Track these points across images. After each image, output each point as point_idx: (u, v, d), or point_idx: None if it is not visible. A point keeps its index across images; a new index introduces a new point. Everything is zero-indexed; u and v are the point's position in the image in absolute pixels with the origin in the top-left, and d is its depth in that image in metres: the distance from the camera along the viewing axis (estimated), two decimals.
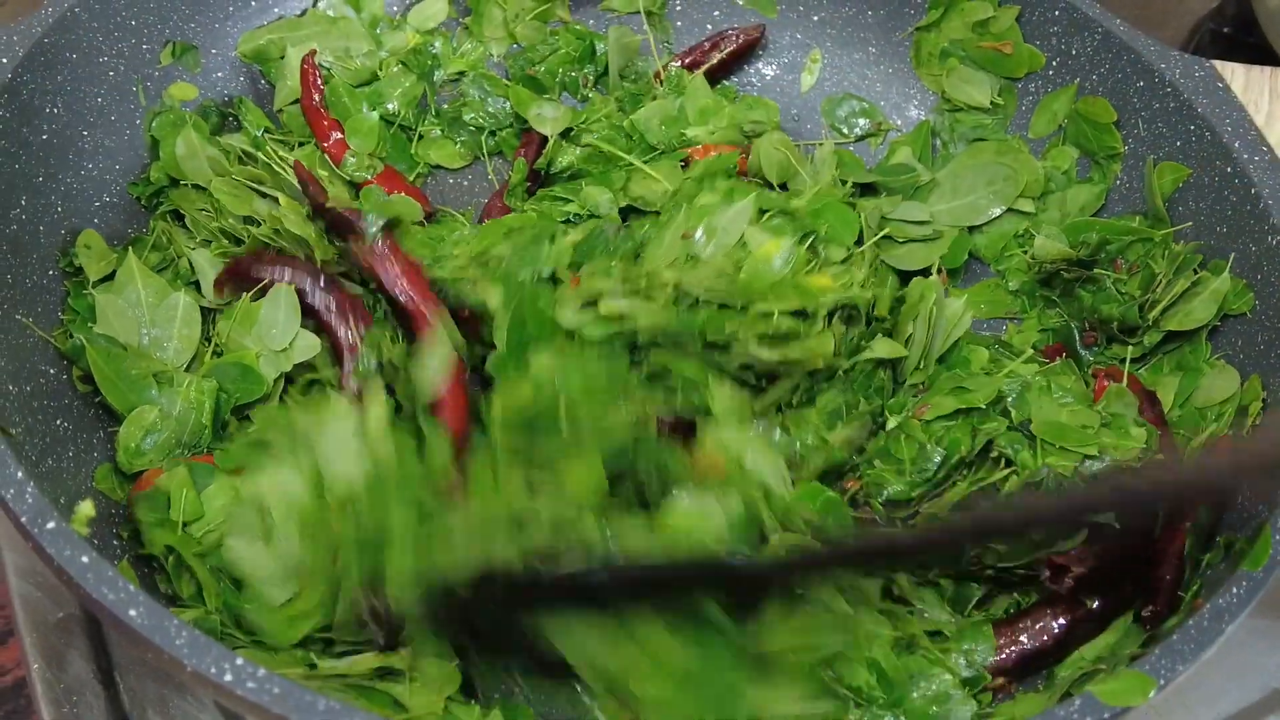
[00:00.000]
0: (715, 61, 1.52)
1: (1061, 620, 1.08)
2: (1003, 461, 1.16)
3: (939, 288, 1.26)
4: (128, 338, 1.17)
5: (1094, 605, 1.08)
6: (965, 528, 0.94)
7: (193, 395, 1.14)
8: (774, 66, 1.55)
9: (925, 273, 1.33)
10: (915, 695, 1.04)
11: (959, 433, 1.17)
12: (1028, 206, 1.39)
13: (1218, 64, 1.32)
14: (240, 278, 1.21)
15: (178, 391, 1.15)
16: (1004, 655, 1.07)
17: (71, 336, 1.15)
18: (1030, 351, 1.28)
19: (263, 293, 1.21)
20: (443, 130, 1.47)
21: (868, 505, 1.18)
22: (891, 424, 1.20)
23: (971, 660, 1.07)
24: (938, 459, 1.16)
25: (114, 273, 1.21)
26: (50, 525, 0.89)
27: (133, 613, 0.85)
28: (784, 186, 1.39)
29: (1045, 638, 1.08)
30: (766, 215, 1.28)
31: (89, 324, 1.16)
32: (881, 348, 1.23)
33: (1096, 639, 1.07)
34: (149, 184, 1.29)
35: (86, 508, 0.99)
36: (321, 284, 1.21)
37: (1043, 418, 1.16)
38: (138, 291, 1.19)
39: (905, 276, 1.33)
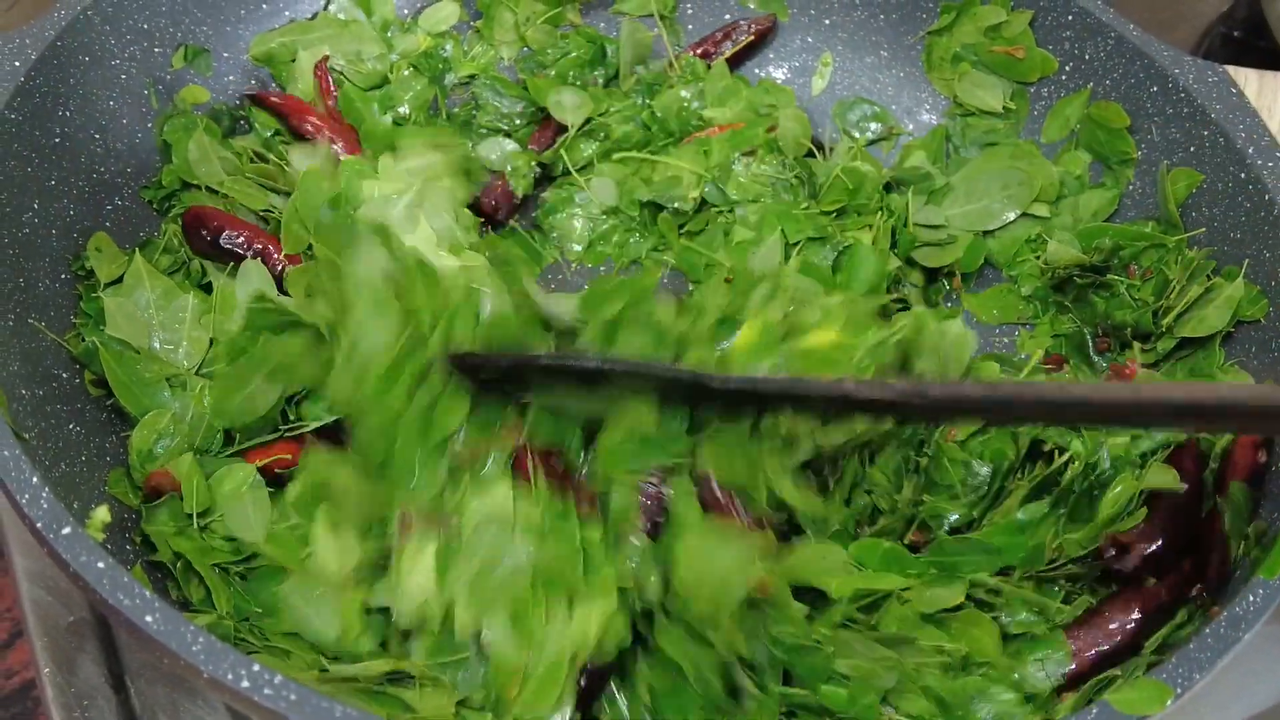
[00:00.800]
0: (728, 52, 1.52)
1: (1135, 615, 1.06)
2: (1055, 453, 1.15)
3: (930, 318, 1.21)
4: (138, 340, 1.16)
5: (1163, 596, 1.07)
6: (919, 393, 0.91)
7: (206, 400, 1.14)
8: (785, 70, 1.55)
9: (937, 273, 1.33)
10: (979, 716, 1.03)
11: (999, 443, 1.16)
12: (1042, 211, 1.39)
13: (1231, 69, 1.31)
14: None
15: (190, 395, 1.14)
16: (1078, 662, 1.05)
17: (84, 340, 1.14)
18: (1035, 364, 1.28)
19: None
20: (454, 133, 1.47)
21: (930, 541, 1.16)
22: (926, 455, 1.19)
23: (1048, 670, 1.05)
24: (985, 472, 1.15)
25: (123, 276, 1.21)
26: (66, 531, 0.88)
27: (149, 619, 0.84)
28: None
29: (1120, 636, 1.06)
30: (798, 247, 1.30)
31: (100, 327, 1.16)
32: None
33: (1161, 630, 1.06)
34: (161, 188, 1.29)
35: (102, 513, 0.99)
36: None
37: None
38: (147, 294, 1.19)
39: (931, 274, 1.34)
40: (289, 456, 1.13)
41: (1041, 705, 1.03)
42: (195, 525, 1.07)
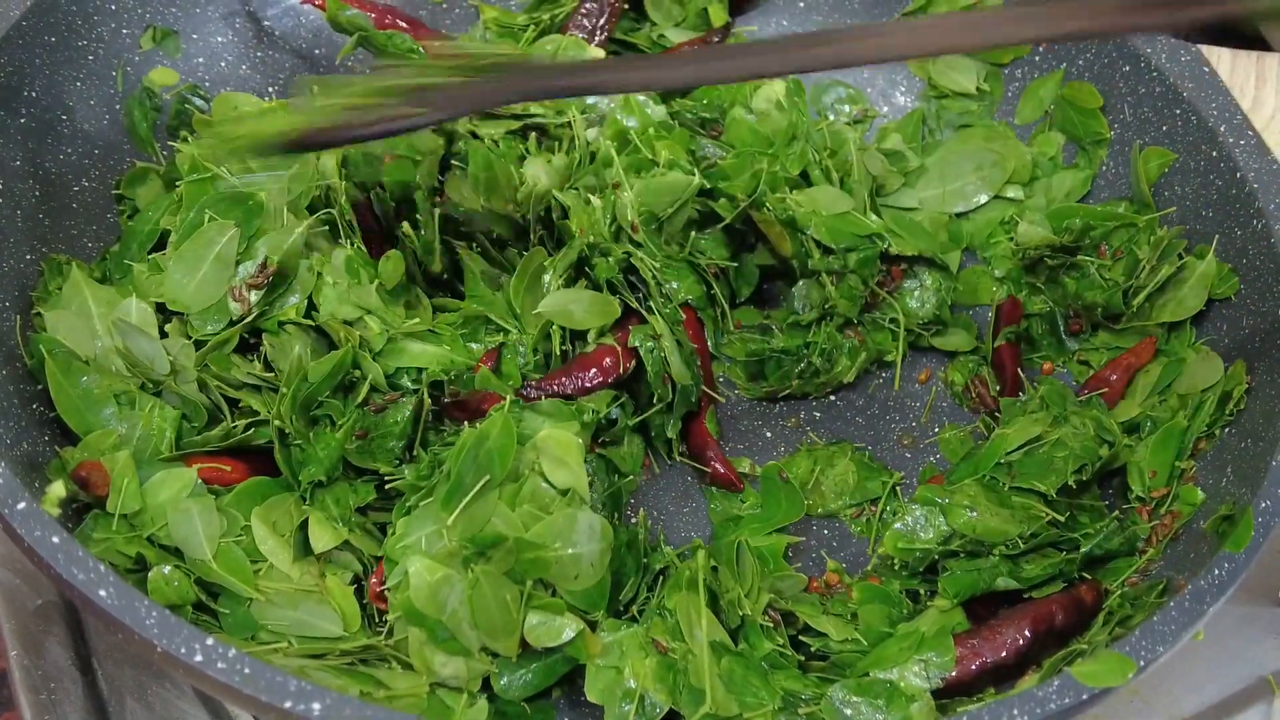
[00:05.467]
0: None
1: (1026, 632, 1.05)
2: None
3: None
4: (84, 350, 1.12)
5: (1058, 618, 1.06)
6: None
7: (155, 421, 1.10)
8: None
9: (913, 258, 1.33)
10: None
11: None
12: (1015, 193, 1.38)
13: (1204, 48, 1.31)
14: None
15: (139, 414, 1.09)
16: (960, 670, 1.04)
17: (33, 356, 1.11)
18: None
19: None
20: None
21: None
22: None
23: (930, 673, 1.04)
24: None
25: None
26: (21, 505, 0.88)
27: (103, 593, 0.84)
28: None
29: (1005, 652, 1.05)
30: None
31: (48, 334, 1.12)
32: None
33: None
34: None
35: (57, 488, 0.98)
36: None
37: None
38: (87, 304, 1.14)
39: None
40: (228, 469, 1.10)
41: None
42: (128, 528, 1.03)
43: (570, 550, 1.03)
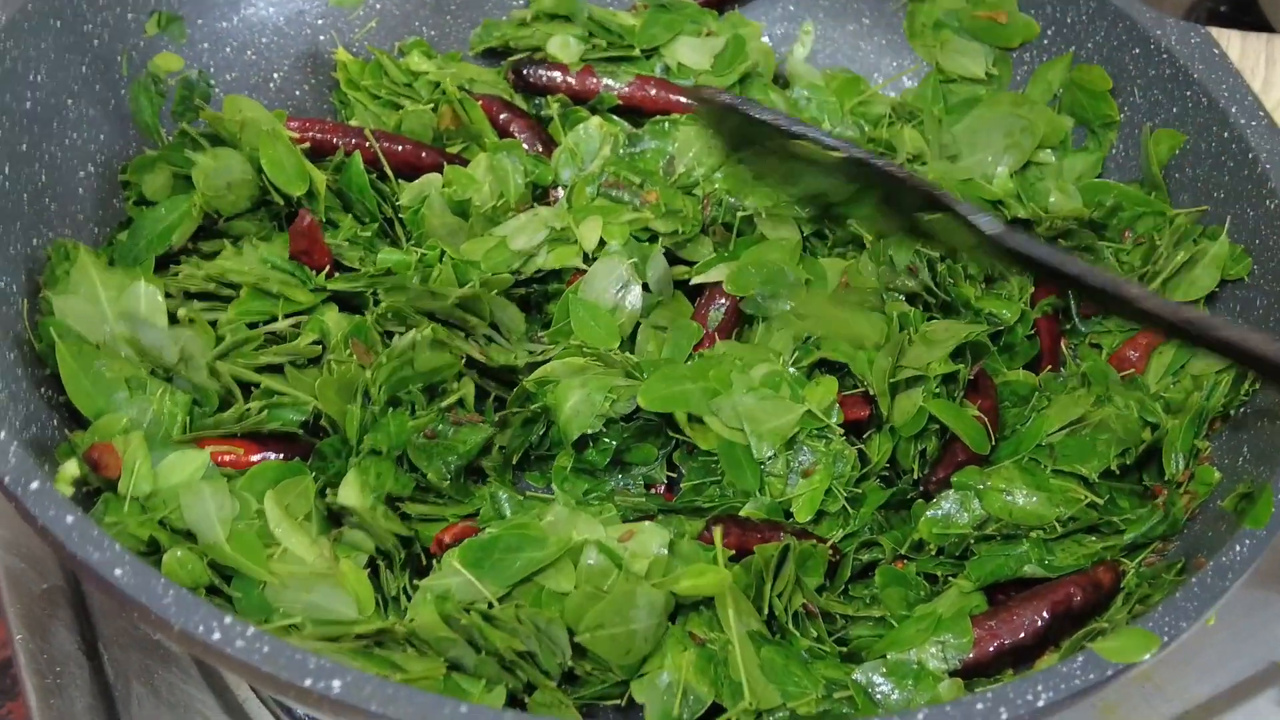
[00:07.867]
0: None
1: (1044, 614, 1.04)
2: None
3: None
4: (94, 335, 1.11)
5: (1075, 600, 1.05)
6: None
7: (166, 405, 1.08)
8: (766, 38, 1.54)
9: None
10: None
11: None
12: (1046, 156, 1.37)
13: (1214, 30, 1.31)
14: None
15: (150, 399, 1.08)
16: (978, 652, 1.03)
17: (41, 340, 1.10)
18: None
19: None
20: None
21: None
22: None
23: (947, 654, 1.03)
24: None
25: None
26: (34, 486, 0.87)
27: (119, 571, 0.83)
28: None
29: (1023, 633, 1.04)
30: None
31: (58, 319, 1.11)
32: None
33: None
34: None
35: (70, 467, 0.97)
36: None
37: None
38: (95, 290, 1.13)
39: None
40: (240, 452, 1.09)
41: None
42: (140, 511, 1.01)
43: (625, 628, 1.00)
